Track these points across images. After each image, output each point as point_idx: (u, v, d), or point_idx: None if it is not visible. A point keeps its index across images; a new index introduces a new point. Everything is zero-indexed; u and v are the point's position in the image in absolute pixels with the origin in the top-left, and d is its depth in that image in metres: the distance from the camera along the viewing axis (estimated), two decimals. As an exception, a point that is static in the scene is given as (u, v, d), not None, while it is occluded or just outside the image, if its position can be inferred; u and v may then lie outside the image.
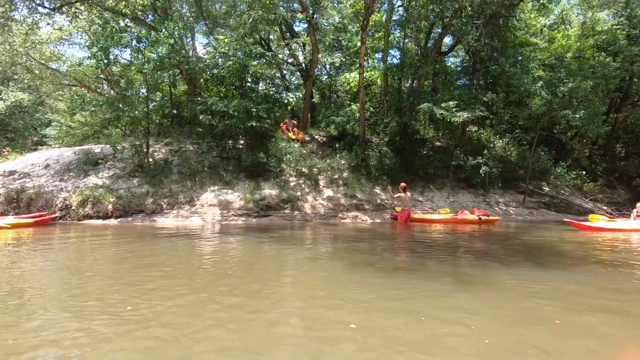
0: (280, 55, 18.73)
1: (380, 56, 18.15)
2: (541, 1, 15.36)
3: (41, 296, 3.50)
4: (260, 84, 17.32)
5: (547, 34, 19.29)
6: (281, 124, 15.51)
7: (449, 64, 21.05)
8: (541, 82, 12.20)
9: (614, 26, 14.76)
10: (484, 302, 3.38)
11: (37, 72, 17.88)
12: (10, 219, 8.96)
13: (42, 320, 2.89)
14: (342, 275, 4.43)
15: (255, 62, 12.23)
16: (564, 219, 11.31)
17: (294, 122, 15.58)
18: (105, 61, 10.90)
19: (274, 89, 15.49)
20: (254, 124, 11.39)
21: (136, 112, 11.35)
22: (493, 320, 2.95)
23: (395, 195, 10.86)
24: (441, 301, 3.43)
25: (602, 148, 17.95)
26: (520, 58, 13.78)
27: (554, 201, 14.18)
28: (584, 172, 15.40)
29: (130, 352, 2.40)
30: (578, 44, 16.53)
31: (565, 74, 12.46)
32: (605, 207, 14.44)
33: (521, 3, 15.67)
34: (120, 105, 11.85)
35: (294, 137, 14.49)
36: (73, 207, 10.12)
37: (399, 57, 17.67)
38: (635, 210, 10.51)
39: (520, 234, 8.94)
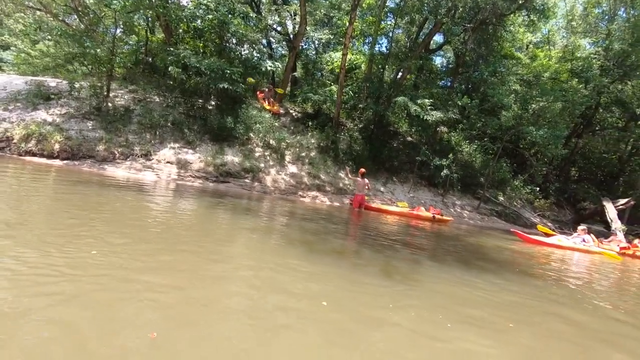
0: (270, 21, 18.00)
1: (369, 41, 17.91)
2: (531, 18, 15.57)
3: None
4: (244, 47, 16.63)
5: (531, 51, 19.79)
6: (258, 92, 15.02)
7: (436, 62, 21.17)
8: (513, 95, 12.49)
9: (591, 55, 15.33)
10: (393, 294, 3.44)
11: (-4, -14, 16.14)
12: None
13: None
14: (268, 249, 4.39)
15: (236, 21, 11.59)
16: (511, 229, 11.93)
17: (271, 92, 15.14)
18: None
19: (255, 54, 14.89)
20: (226, 86, 10.92)
21: (98, 50, 10.47)
22: (389, 311, 3.00)
23: (352, 178, 10.95)
24: (355, 285, 3.49)
25: (558, 169, 18.92)
26: (500, 69, 14.00)
27: (506, 211, 14.86)
28: (537, 189, 16.20)
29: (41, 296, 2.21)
30: (557, 65, 17.08)
31: (538, 93, 12.82)
32: (550, 224, 15.33)
33: (512, 16, 15.88)
34: (83, 40, 10.93)
35: (268, 107, 14.11)
36: (15, 140, 9.35)
37: (387, 45, 17.53)
38: (576, 233, 11.21)
39: (466, 237, 9.29)
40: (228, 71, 10.90)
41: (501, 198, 15.67)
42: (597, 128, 18.51)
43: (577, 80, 15.51)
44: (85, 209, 4.96)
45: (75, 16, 17.62)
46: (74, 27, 15.25)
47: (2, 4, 17.10)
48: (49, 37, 13.67)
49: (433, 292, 3.72)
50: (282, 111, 15.28)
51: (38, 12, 16.88)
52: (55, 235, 3.53)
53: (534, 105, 13.65)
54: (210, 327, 2.28)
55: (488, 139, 15.67)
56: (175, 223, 5.14)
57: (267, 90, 15.10)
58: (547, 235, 11.34)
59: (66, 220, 4.22)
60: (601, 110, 17.61)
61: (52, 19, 15.56)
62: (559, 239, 10.79)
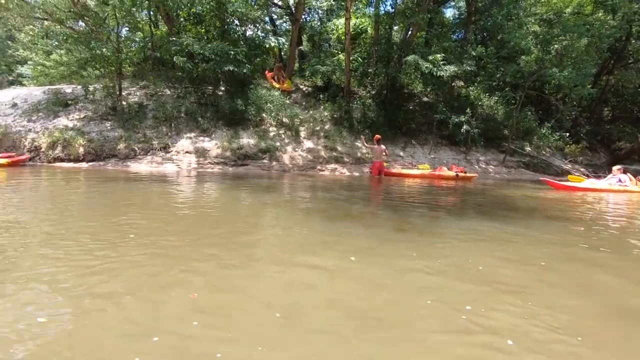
0: (269, -4, 17.57)
1: (374, 2, 17.15)
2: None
3: (28, 233, 3.44)
4: (248, 27, 16.39)
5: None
6: (267, 72, 14.86)
7: (448, 15, 20.06)
8: (530, 37, 11.66)
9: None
10: (416, 247, 3.44)
11: (2, 1, 16.53)
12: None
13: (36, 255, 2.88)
14: (292, 219, 4.47)
15: (234, 0, 11.37)
16: (540, 178, 11.49)
17: (280, 71, 14.94)
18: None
19: (260, 33, 14.67)
20: (232, 68, 10.88)
21: (104, 49, 10.64)
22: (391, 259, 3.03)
23: (368, 146, 10.78)
24: (379, 242, 3.53)
25: (588, 111, 17.81)
26: (516, 11, 13.06)
27: (534, 161, 14.28)
28: (567, 134, 15.38)
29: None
30: (583, -3, 15.72)
31: (560, 31, 11.91)
32: (582, 169, 14.63)
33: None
34: (90, 42, 11.13)
35: (278, 86, 13.97)
36: (43, 149, 9.85)
37: (392, 3, 16.73)
38: (611, 174, 10.64)
39: (490, 191, 9.04)
40: (232, 52, 10.81)
41: (528, 149, 15.04)
42: (630, 61, 17.10)
43: (602, 11, 14.23)
44: (116, 201, 5.25)
45: (81, 22, 17.99)
46: (80, 32, 15.57)
47: (11, 19, 17.54)
48: (59, 45, 13.99)
49: (456, 241, 3.70)
50: (292, 88, 15.13)
51: (45, 22, 17.31)
52: (95, 224, 3.82)
53: (556, 46, 12.71)
54: (246, 288, 2.42)
55: (509, 88, 14.88)
56: (201, 205, 5.37)
57: (276, 69, 14.92)
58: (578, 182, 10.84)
59: (101, 212, 4.54)
60: (633, 41, 16.17)
61: (59, 26, 15.90)
62: (591, 181, 10.30)
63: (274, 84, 14.05)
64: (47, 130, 10.26)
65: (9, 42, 22.12)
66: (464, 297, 2.37)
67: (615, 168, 10.69)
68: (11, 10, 16.68)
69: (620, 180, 10.20)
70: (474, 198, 7.63)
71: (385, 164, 10.87)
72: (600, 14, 14.09)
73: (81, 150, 9.89)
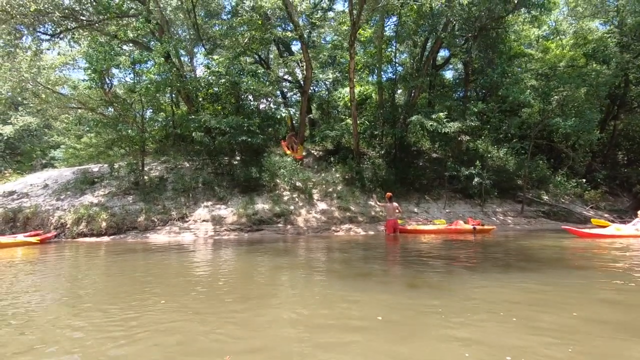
0: (281, 73, 19.21)
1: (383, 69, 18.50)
2: (532, 13, 15.50)
3: (45, 309, 3.55)
4: (262, 102, 17.72)
5: (541, 45, 19.44)
6: (282, 142, 15.45)
7: (449, 77, 21.30)
8: (529, 91, 12.19)
9: (605, 34, 14.81)
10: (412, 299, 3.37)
11: (43, 96, 18.51)
12: (21, 237, 9.19)
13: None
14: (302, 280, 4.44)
15: (245, 79, 12.47)
16: (562, 226, 11.10)
17: (294, 138, 15.65)
18: (100, 83, 11.26)
19: (273, 105, 15.78)
20: (246, 138, 11.57)
21: (129, 130, 11.59)
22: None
23: (381, 205, 10.81)
24: (399, 300, 3.46)
25: (601, 155, 17.71)
26: (511, 69, 13.84)
27: (554, 210, 13.95)
28: (583, 180, 15.18)
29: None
30: (572, 53, 16.60)
31: (557, 83, 12.45)
32: (607, 215, 14.13)
33: (512, 16, 15.90)
34: (118, 125, 12.17)
35: (290, 153, 14.49)
36: (68, 226, 10.29)
37: (393, 71, 18.00)
38: (638, 219, 10.25)
39: (509, 242, 8.80)
40: (246, 125, 11.59)
41: (545, 197, 14.80)
42: (634, 105, 17.38)
43: (595, 63, 14.92)
44: (136, 272, 5.37)
45: (111, 108, 19.86)
46: (108, 116, 17.12)
47: (50, 110, 19.51)
48: (90, 129, 15.34)
49: (465, 297, 3.59)
50: (304, 153, 15.78)
51: (79, 110, 19.18)
52: (121, 296, 3.91)
53: (556, 97, 13.18)
54: (276, 349, 2.44)
55: (517, 139, 15.16)
56: (220, 273, 5.37)
57: (288, 137, 15.60)
58: (602, 227, 10.45)
59: (125, 283, 4.65)
60: (633, 87, 16.61)
61: (91, 113, 17.56)
62: (617, 227, 9.92)
63: (287, 151, 14.64)
64: (74, 207, 10.82)
65: (46, 129, 24.26)
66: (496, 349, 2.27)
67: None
68: (50, 102, 18.67)
69: (646, 225, 9.80)
70: (492, 251, 7.42)
71: (399, 222, 10.82)
72: (594, 65, 14.74)
73: (103, 224, 10.28)
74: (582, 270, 5.11)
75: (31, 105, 19.71)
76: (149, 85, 11.30)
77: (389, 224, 10.43)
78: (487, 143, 15.90)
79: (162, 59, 11.08)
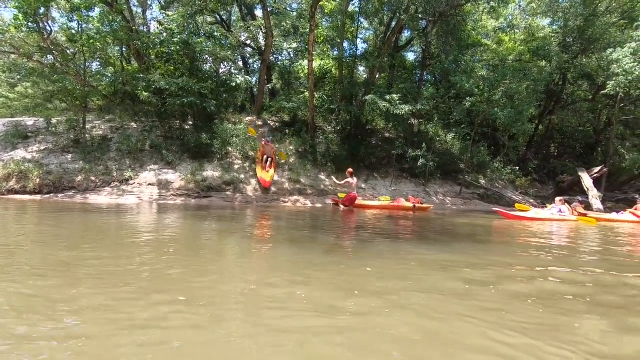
0: (243, 38, 18.50)
1: (345, 45, 18.44)
2: (492, 4, 16.10)
3: None
4: (222, 67, 17.03)
5: (497, 36, 20.36)
6: (261, 143, 12.67)
7: (411, 59, 21.69)
8: (472, 80, 12.91)
9: (550, 34, 15.86)
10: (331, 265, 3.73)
11: (-32, 35, 16.50)
12: None
13: None
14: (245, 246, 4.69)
15: (201, 40, 11.98)
16: (493, 208, 12.24)
17: (272, 145, 12.71)
18: (37, 27, 10.29)
19: (234, 71, 15.31)
20: (195, 100, 11.26)
21: (66, 82, 10.80)
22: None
23: (344, 182, 11.11)
24: (289, 261, 3.78)
25: (536, 147, 19.37)
26: (463, 57, 14.46)
27: (488, 193, 15.22)
28: (517, 168, 16.59)
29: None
30: (521, 47, 17.63)
31: (499, 75, 13.28)
32: (532, 200, 15.70)
33: (472, 5, 16.43)
34: (57, 77, 11.28)
35: (261, 174, 11.77)
36: (-4, 181, 9.62)
37: (357, 48, 18.07)
38: (554, 204, 11.59)
39: (439, 219, 9.61)
40: (196, 87, 11.25)
41: (482, 181, 16.04)
42: (568, 102, 19.00)
43: (538, 59, 16.02)
44: (73, 232, 5.22)
45: (50, 56, 18.12)
46: (49, 66, 15.69)
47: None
48: (25, 78, 14.00)
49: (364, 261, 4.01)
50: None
51: (12, 56, 17.31)
52: (55, 257, 3.70)
53: (502, 88, 14.09)
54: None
55: (465, 125, 16.11)
56: (164, 237, 5.22)
57: (265, 142, 12.48)
58: (524, 211, 11.68)
59: (61, 244, 4.39)
60: (569, 85, 18.10)
61: (26, 60, 15.95)
62: (536, 211, 11.15)
63: (258, 169, 11.94)
64: (3, 162, 10.07)
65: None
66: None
67: (557, 199, 11.68)
68: (-24, 44, 16.65)
69: (560, 211, 11.13)
70: (420, 225, 8.10)
71: (341, 195, 11.33)
72: (537, 62, 15.82)
73: (38, 182, 9.72)
74: (484, 243, 5.81)
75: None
76: (94, 35, 10.49)
77: (353, 197, 10.84)
78: (437, 127, 16.72)
79: (106, 6, 10.25)
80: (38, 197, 9.56)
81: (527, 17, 19.50)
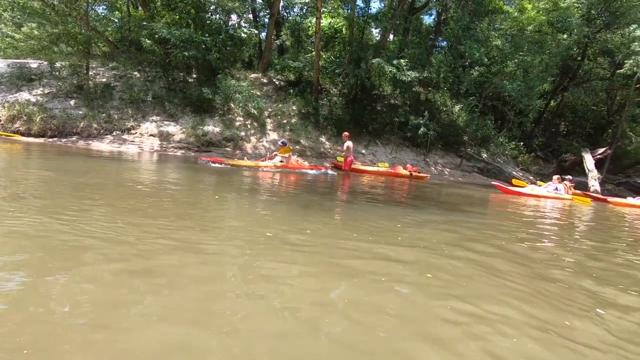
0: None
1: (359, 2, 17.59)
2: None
3: None
4: (231, 19, 16.45)
5: (520, 3, 19.26)
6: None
7: (428, 22, 20.68)
8: (483, 49, 12.44)
9: (574, 4, 14.95)
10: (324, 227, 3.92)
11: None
12: None
13: None
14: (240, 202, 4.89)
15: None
16: (492, 182, 12.30)
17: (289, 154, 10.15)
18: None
19: (244, 24, 14.83)
20: (195, 53, 11.10)
21: (69, 26, 10.65)
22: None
23: (345, 147, 10.92)
24: (279, 219, 3.97)
25: (544, 123, 18.97)
26: (477, 24, 13.83)
27: (488, 167, 15.19)
28: (521, 144, 16.40)
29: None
30: (543, 17, 16.72)
31: (513, 47, 12.77)
32: (531, 177, 15.67)
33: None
34: (60, 19, 11.09)
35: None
36: (2, 122, 9.83)
37: (374, 7, 17.28)
38: (550, 182, 11.64)
39: (433, 189, 9.74)
40: (199, 39, 11.05)
41: (484, 155, 15.96)
42: (584, 80, 18.33)
43: (557, 31, 15.25)
44: (77, 176, 5.41)
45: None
46: (51, 5, 15.35)
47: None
48: (29, 18, 13.77)
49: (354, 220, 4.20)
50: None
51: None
52: (61, 201, 3.73)
53: (515, 60, 13.61)
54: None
55: (473, 97, 15.73)
56: (164, 182, 5.47)
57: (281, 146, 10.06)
58: (521, 187, 11.74)
59: (64, 187, 4.42)
60: (587, 61, 17.37)
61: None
62: (532, 187, 11.23)
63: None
64: (8, 103, 10.23)
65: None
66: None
67: (554, 177, 11.71)
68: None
69: (556, 189, 11.18)
70: (413, 194, 8.25)
71: (339, 159, 11.40)
72: (555, 34, 15.08)
73: (42, 125, 9.92)
74: (465, 213, 5.96)
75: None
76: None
77: (349, 161, 10.84)
78: (445, 96, 16.37)
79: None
80: (42, 140, 9.79)
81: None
